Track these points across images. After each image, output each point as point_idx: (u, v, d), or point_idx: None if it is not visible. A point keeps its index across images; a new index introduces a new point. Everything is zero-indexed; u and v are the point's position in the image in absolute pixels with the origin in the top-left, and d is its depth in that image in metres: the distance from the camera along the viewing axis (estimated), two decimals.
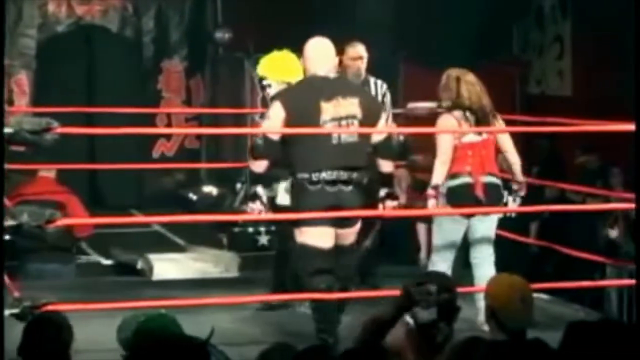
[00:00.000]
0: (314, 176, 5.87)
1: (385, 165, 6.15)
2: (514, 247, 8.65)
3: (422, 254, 8.99)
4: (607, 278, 8.20)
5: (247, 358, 3.95)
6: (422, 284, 3.90)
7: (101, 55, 11.25)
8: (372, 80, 7.57)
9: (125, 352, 3.93)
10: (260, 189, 6.16)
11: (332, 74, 6.11)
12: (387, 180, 6.20)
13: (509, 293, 3.85)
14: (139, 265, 8.68)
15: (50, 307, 5.60)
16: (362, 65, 7.47)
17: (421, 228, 9.06)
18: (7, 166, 7.80)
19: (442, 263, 6.67)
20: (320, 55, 6.11)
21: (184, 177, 11.50)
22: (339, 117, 5.89)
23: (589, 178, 9.04)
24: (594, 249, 7.94)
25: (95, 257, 9.11)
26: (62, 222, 5.86)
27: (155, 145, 11.66)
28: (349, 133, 5.94)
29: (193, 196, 10.87)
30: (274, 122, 5.92)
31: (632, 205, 6.37)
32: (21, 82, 10.72)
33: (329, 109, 5.88)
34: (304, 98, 5.97)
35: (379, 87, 7.56)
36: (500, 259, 8.58)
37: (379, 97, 7.48)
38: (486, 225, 6.84)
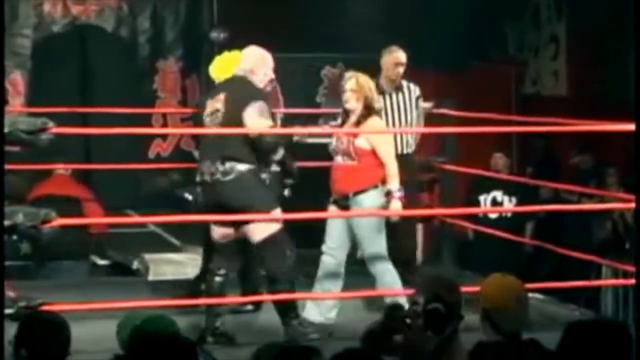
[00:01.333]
0: (201, 167, 6.28)
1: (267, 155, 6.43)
2: (509, 247, 8.67)
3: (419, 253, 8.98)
4: (603, 278, 8.21)
5: (241, 358, 3.94)
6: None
7: (96, 55, 11.24)
8: (405, 84, 7.73)
9: (122, 352, 3.93)
10: None
11: (242, 74, 6.39)
12: (288, 173, 6.44)
13: (503, 294, 3.82)
14: (135, 265, 8.68)
15: (45, 308, 5.60)
16: (400, 71, 7.61)
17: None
18: (12, 167, 7.87)
19: (391, 265, 6.64)
20: (243, 58, 6.53)
21: (180, 177, 11.47)
22: (211, 112, 6.33)
23: (583, 178, 9.05)
24: (589, 249, 7.94)
25: (91, 258, 9.11)
26: (58, 222, 5.84)
27: (151, 145, 11.64)
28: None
29: (189, 196, 10.85)
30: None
31: (627, 205, 6.38)
32: (16, 81, 10.70)
33: (209, 105, 6.35)
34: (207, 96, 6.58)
35: (412, 91, 7.72)
36: (495, 258, 8.62)
37: (412, 101, 7.65)
38: None
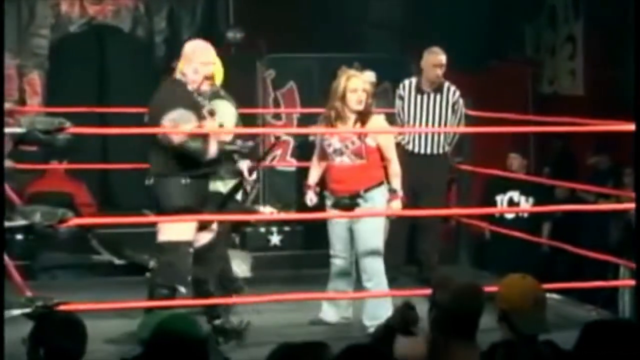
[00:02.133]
0: None
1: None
2: (526, 247, 8.65)
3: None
4: (620, 278, 8.18)
5: (256, 357, 3.94)
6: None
7: (113, 55, 11.25)
8: (446, 85, 7.78)
9: (140, 351, 3.95)
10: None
11: (176, 77, 6.23)
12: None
13: (521, 295, 3.79)
14: (152, 265, 8.68)
15: (62, 307, 5.61)
16: (439, 72, 7.66)
17: None
18: (20, 166, 7.91)
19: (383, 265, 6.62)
20: None
21: None
22: None
23: (600, 178, 9.02)
24: (607, 249, 7.92)
25: (108, 257, 9.12)
26: (75, 221, 5.86)
27: None
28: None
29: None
30: None
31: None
32: (34, 82, 10.71)
33: None
34: None
35: (451, 94, 7.79)
36: (512, 259, 8.61)
37: (450, 103, 7.68)
38: None
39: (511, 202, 9.32)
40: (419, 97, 7.79)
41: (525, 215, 9.30)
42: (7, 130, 6.39)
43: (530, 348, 3.74)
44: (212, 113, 6.19)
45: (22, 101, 10.50)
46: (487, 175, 9.06)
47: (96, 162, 10.22)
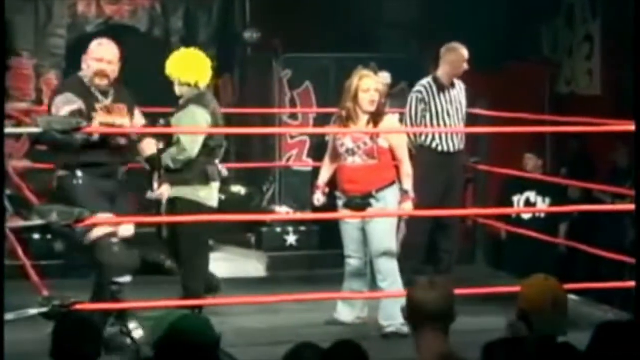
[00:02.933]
0: None
1: None
2: (543, 248, 8.63)
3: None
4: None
5: (271, 357, 3.94)
6: None
7: (130, 55, 11.24)
8: (454, 80, 7.83)
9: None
10: None
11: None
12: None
13: (540, 296, 3.77)
14: (167, 264, 8.69)
15: (78, 307, 5.62)
16: (467, 67, 7.73)
17: None
18: (39, 166, 7.93)
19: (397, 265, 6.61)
20: None
21: None
22: None
23: (619, 179, 8.99)
24: (624, 249, 7.89)
25: None
26: (91, 221, 5.87)
27: None
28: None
29: (221, 196, 10.87)
30: None
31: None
32: (50, 82, 10.73)
33: None
34: None
35: (462, 85, 7.88)
36: (528, 259, 8.58)
37: (464, 93, 7.77)
38: None
39: (528, 203, 9.30)
40: (442, 94, 7.80)
41: (542, 215, 9.28)
42: (24, 130, 6.43)
43: (546, 347, 3.73)
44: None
45: (39, 101, 10.51)
46: (504, 176, 9.05)
47: None
